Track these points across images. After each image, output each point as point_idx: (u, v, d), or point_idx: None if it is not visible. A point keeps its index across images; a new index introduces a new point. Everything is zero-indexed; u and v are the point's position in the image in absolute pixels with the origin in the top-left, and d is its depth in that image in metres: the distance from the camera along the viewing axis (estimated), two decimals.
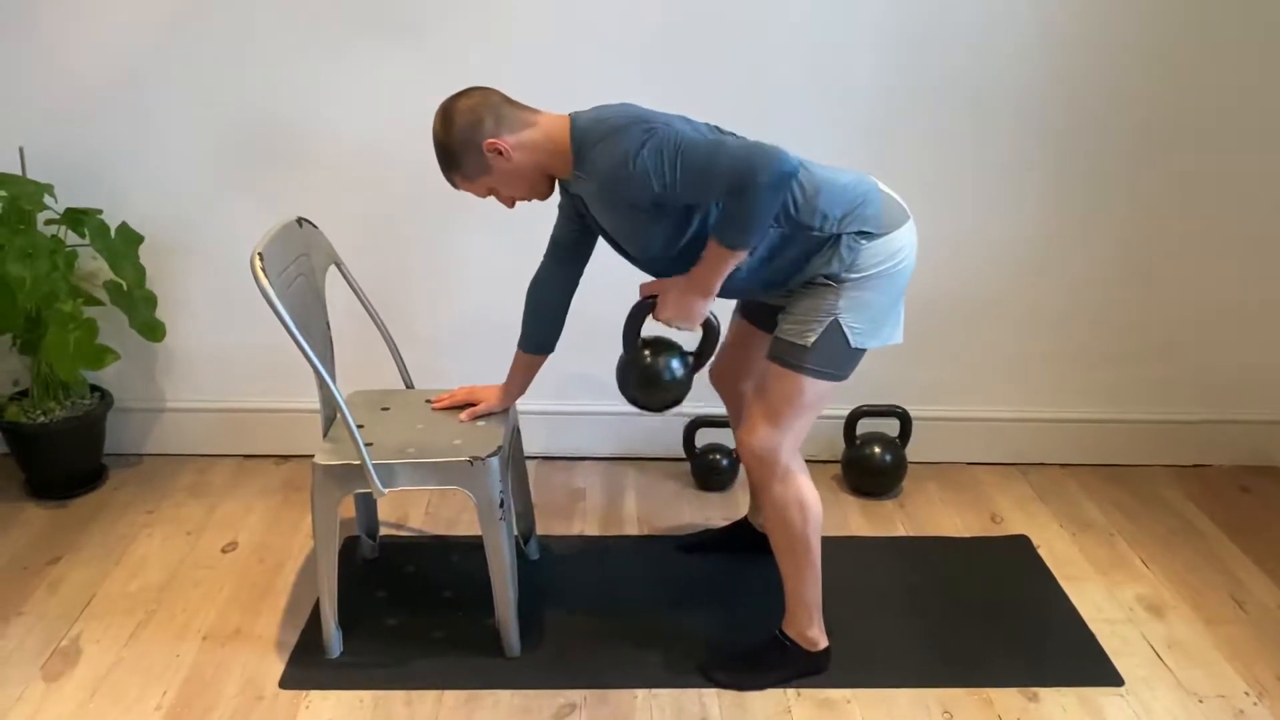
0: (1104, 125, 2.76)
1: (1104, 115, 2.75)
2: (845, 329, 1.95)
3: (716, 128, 1.97)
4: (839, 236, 1.93)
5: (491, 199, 2.03)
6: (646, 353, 2.09)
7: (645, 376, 2.09)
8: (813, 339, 1.95)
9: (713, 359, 2.21)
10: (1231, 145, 2.79)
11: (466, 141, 1.90)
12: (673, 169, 1.80)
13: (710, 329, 2.08)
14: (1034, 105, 2.73)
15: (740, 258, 1.88)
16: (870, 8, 2.64)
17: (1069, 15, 2.66)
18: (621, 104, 1.97)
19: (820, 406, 2.02)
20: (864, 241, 1.94)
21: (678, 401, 2.12)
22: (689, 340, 2.13)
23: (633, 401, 2.14)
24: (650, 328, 2.09)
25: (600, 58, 2.66)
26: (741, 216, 1.81)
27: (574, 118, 1.93)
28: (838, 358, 1.97)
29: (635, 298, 2.06)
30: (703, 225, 1.92)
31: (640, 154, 1.81)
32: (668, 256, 1.97)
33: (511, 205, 2.03)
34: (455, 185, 1.99)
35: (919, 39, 2.67)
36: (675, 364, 2.08)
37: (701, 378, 2.40)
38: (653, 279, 2.06)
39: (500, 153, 1.91)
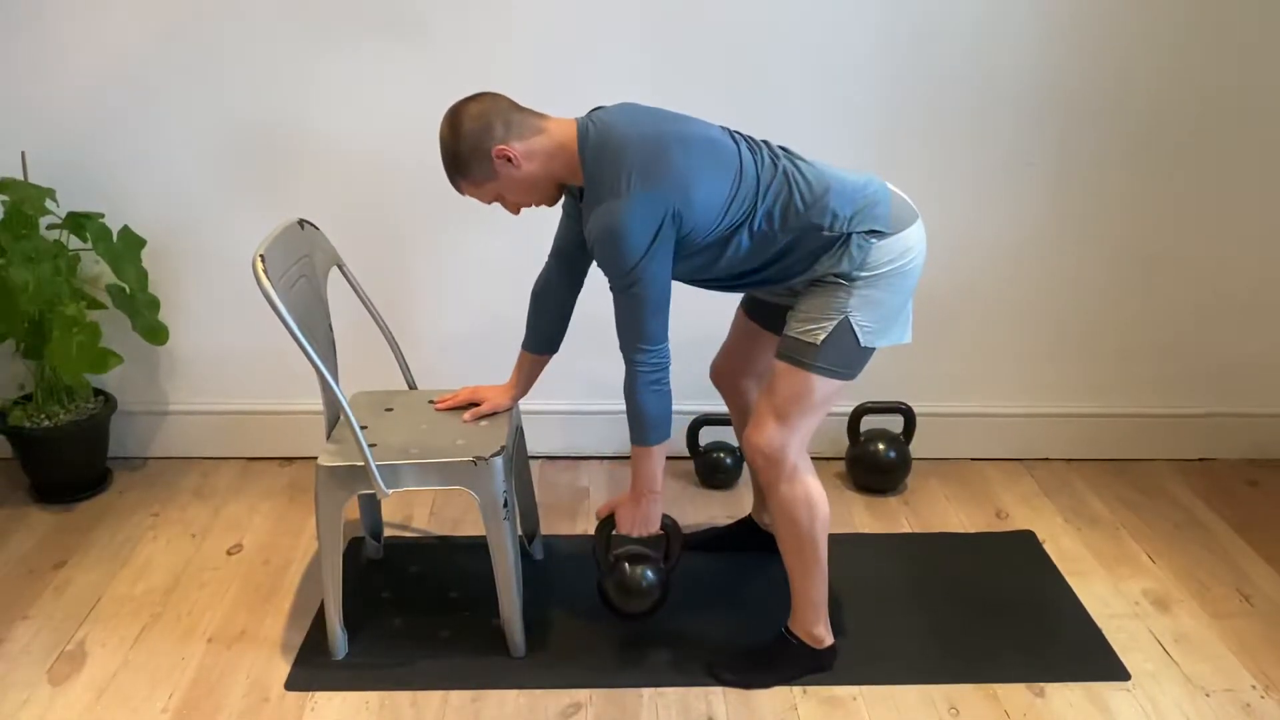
0: (1105, 121, 2.75)
1: (1104, 111, 2.74)
2: (855, 327, 1.95)
3: (736, 135, 1.98)
4: (849, 235, 1.93)
5: (496, 205, 2.02)
6: (624, 566, 2.20)
7: (622, 588, 2.21)
8: (822, 337, 1.94)
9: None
10: (1233, 138, 2.78)
11: (475, 148, 1.89)
12: (627, 288, 1.88)
13: (669, 530, 2.22)
14: (1034, 102, 2.73)
15: (662, 451, 2.03)
16: (871, 7, 2.64)
17: (1068, 12, 2.65)
18: (626, 105, 1.97)
19: (828, 406, 2.02)
20: (874, 240, 1.93)
21: (659, 606, 2.23)
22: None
23: (615, 612, 2.24)
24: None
25: (602, 57, 2.66)
26: (635, 414, 1.98)
27: (581, 126, 1.92)
28: (847, 356, 1.97)
29: None
30: (698, 254, 1.95)
31: (619, 256, 1.85)
32: None
33: (517, 212, 2.02)
34: (461, 191, 1.98)
35: (919, 38, 2.67)
36: (649, 573, 2.20)
37: (703, 375, 2.41)
38: (603, 503, 2.21)
39: (509, 160, 1.90)
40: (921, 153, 2.77)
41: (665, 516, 2.18)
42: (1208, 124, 2.77)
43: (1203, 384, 3.04)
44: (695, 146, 1.89)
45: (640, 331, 1.92)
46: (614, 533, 2.19)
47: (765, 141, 2.00)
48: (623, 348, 1.95)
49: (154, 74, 2.67)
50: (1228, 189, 2.84)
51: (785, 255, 1.95)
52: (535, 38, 2.65)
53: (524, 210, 2.05)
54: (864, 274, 1.94)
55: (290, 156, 2.75)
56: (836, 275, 1.94)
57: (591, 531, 2.69)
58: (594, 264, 2.20)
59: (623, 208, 1.82)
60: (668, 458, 2.46)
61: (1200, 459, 3.10)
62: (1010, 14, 2.65)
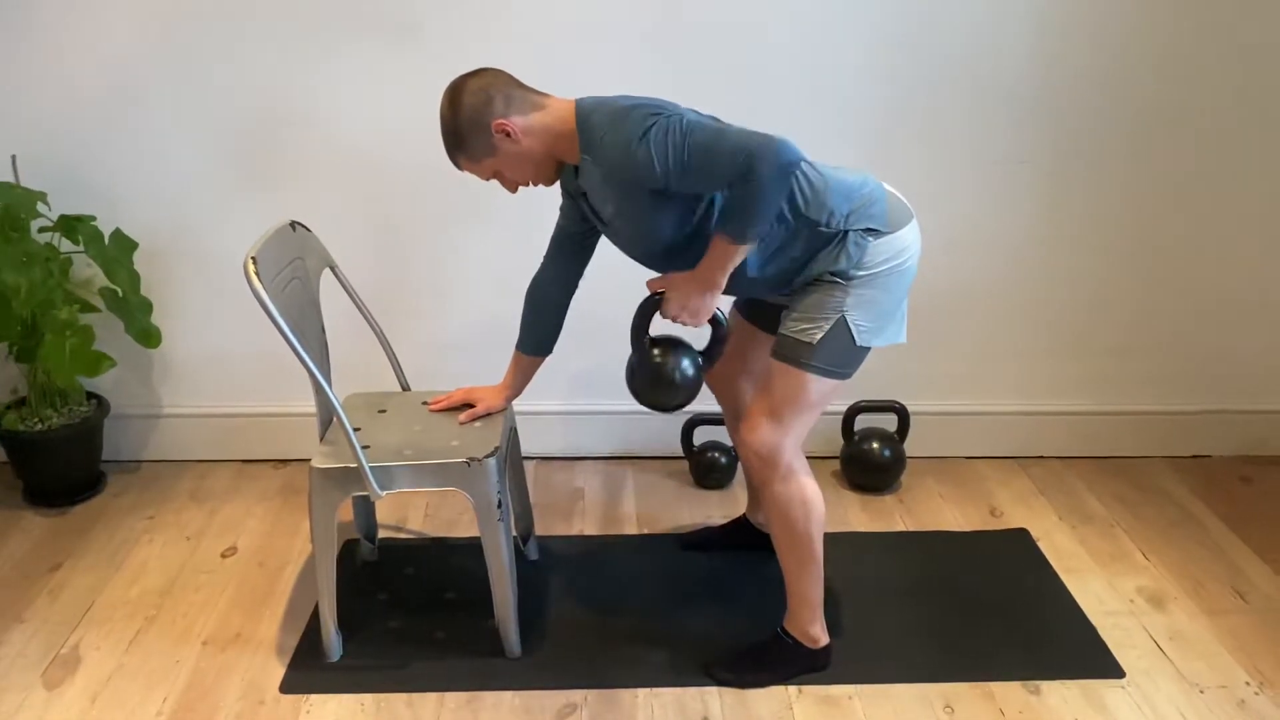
0: (1100, 118, 2.76)
1: (1100, 108, 2.75)
2: (851, 327, 1.94)
3: (718, 120, 1.96)
4: (846, 234, 1.92)
5: (484, 195, 2.01)
6: (655, 352, 2.03)
7: (655, 376, 2.04)
8: (818, 336, 1.94)
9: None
10: (1229, 136, 2.79)
11: (474, 121, 1.88)
12: (677, 153, 1.78)
13: (719, 326, 2.05)
14: (1030, 99, 2.73)
15: (746, 251, 1.87)
16: (867, 6, 2.64)
17: (1063, 10, 2.65)
18: (625, 95, 1.97)
19: (823, 405, 2.01)
20: (871, 239, 1.93)
21: (689, 401, 2.08)
22: (699, 337, 2.11)
23: (642, 401, 2.09)
24: (660, 325, 2.05)
25: (597, 57, 2.66)
26: (746, 207, 1.80)
27: (580, 102, 1.92)
28: (843, 356, 1.97)
29: (636, 298, 2.05)
30: (706, 216, 1.91)
31: (645, 137, 1.79)
32: (672, 250, 1.96)
33: (514, 190, 2.01)
34: (459, 166, 1.97)
35: (915, 37, 2.67)
36: (685, 363, 2.03)
37: None
38: (657, 275, 2.04)
39: (508, 134, 1.89)
40: (917, 151, 2.77)
41: (719, 311, 2.01)
42: (1202, 123, 2.77)
43: (1197, 382, 3.05)
44: (692, 115, 1.88)
45: (744, 155, 1.74)
46: (660, 312, 2.00)
47: None
48: (745, 177, 1.76)
49: (146, 76, 2.66)
50: (1223, 187, 2.84)
51: (782, 253, 1.95)
52: (530, 38, 2.64)
53: (516, 211, 2.05)
54: (860, 273, 1.93)
55: (282, 158, 2.74)
56: (833, 274, 1.94)
57: (588, 532, 2.70)
58: (589, 264, 2.21)
59: (616, 129, 1.81)
60: (662, 457, 2.46)
61: (1195, 456, 3.11)
62: (1006, 12, 2.65)
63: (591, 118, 1.87)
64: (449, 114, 1.90)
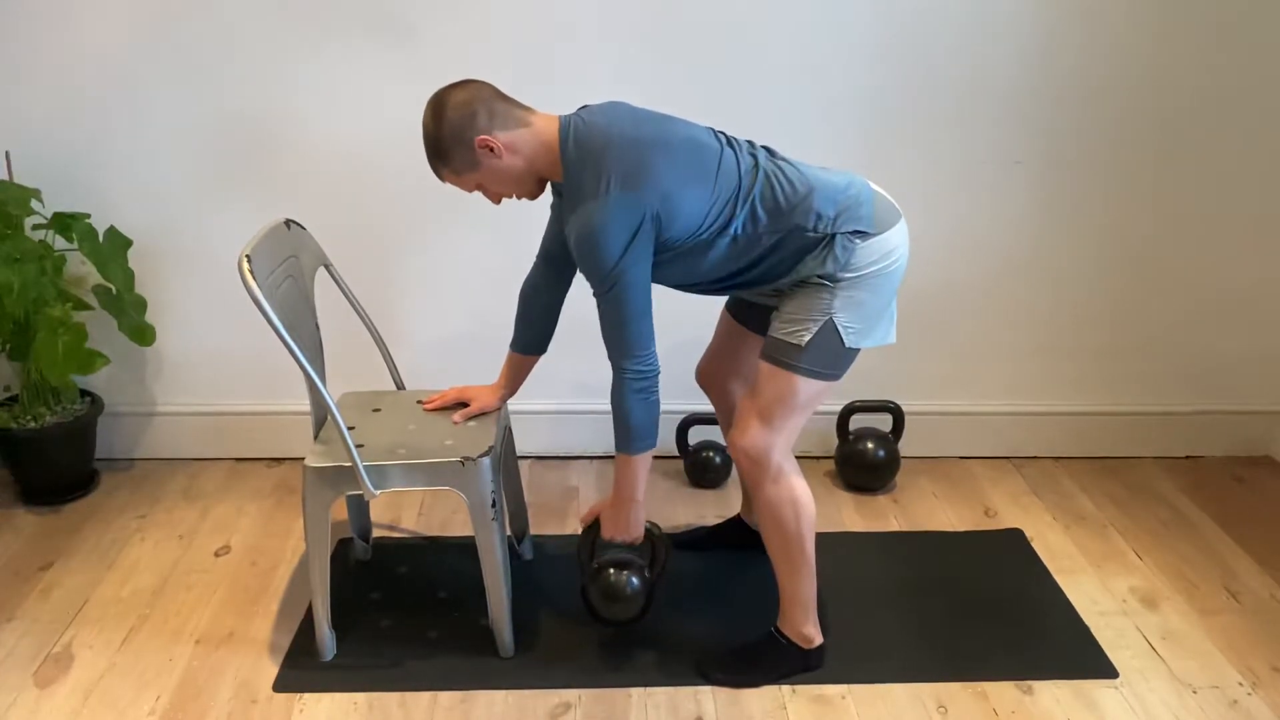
0: (1092, 119, 2.76)
1: (1091, 109, 2.75)
2: (840, 329, 1.94)
3: (723, 138, 1.98)
4: (833, 236, 1.92)
5: (478, 194, 2.01)
6: (607, 573, 2.19)
7: (606, 593, 2.19)
8: (807, 338, 1.94)
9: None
10: (1220, 136, 2.79)
11: (457, 136, 1.87)
12: (607, 292, 1.87)
13: (653, 538, 2.21)
14: (1021, 100, 2.73)
15: (646, 460, 2.02)
16: (857, 7, 2.64)
17: (1055, 10, 2.65)
18: (611, 105, 1.96)
19: (813, 407, 2.02)
20: (858, 241, 1.93)
21: (643, 613, 2.22)
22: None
23: (598, 618, 2.23)
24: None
25: (587, 58, 2.66)
26: (622, 422, 1.96)
27: (564, 124, 1.91)
28: (832, 357, 1.97)
29: None
30: (678, 256, 1.94)
31: (597, 260, 1.85)
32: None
33: (498, 202, 2.01)
34: (441, 178, 1.97)
35: (906, 37, 2.67)
36: (633, 578, 2.18)
37: (690, 375, 2.41)
38: (589, 509, 2.20)
39: (491, 150, 1.88)
40: (909, 152, 2.77)
41: (651, 525, 2.18)
42: (1194, 123, 2.78)
43: (1190, 382, 3.06)
44: (678, 149, 1.88)
45: (624, 337, 1.91)
46: (598, 538, 2.19)
47: (749, 142, 2.00)
48: (610, 355, 1.95)
49: (140, 74, 2.66)
50: (1215, 188, 2.85)
51: (769, 256, 1.95)
52: (522, 38, 2.64)
53: (510, 210, 2.05)
54: (848, 275, 1.93)
55: (277, 157, 2.74)
56: (820, 276, 1.94)
57: (581, 532, 2.70)
58: None
59: (601, 209, 1.82)
60: (657, 456, 2.45)
61: (1188, 456, 3.12)
62: (997, 12, 2.65)
63: (578, 155, 1.87)
64: (432, 127, 1.89)
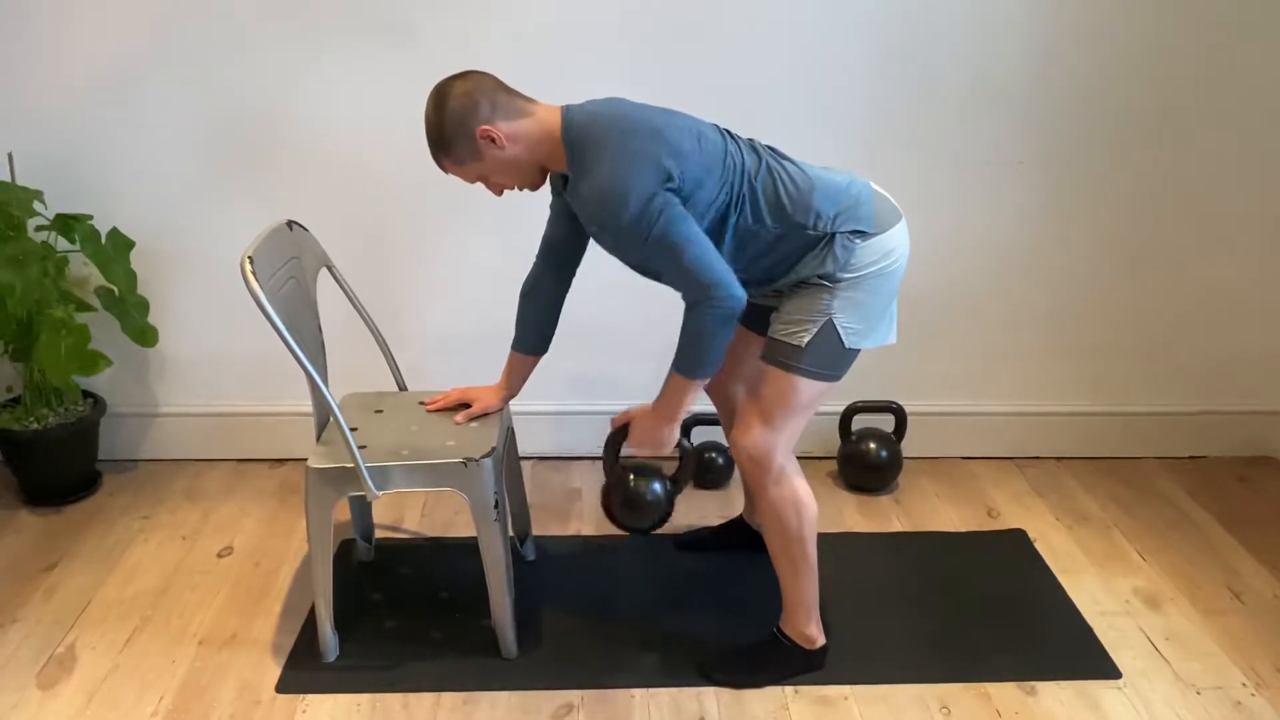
0: (1095, 118, 2.76)
1: (1094, 109, 2.75)
2: (839, 329, 1.94)
3: (720, 129, 1.97)
4: (833, 236, 1.92)
5: (479, 195, 2.01)
6: (630, 478, 2.17)
7: (627, 500, 2.17)
8: (807, 339, 1.94)
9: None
10: (1221, 136, 2.79)
11: (459, 126, 1.87)
12: (643, 240, 1.83)
13: (685, 452, 2.17)
14: (1023, 100, 2.73)
15: (701, 385, 1.96)
16: (859, 8, 2.64)
17: (1057, 10, 2.65)
18: (612, 100, 1.96)
19: (814, 407, 2.01)
20: (858, 241, 1.93)
21: (663, 522, 2.20)
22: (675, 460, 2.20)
23: (618, 524, 2.21)
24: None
25: (588, 57, 2.66)
26: (695, 346, 1.90)
27: (566, 113, 1.91)
28: (832, 358, 1.97)
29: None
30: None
31: (626, 202, 1.80)
32: (655, 271, 1.96)
33: (500, 194, 2.00)
34: (444, 169, 1.96)
35: (908, 37, 2.67)
36: (656, 487, 2.16)
37: None
38: (624, 405, 2.14)
39: (493, 140, 1.88)
40: (912, 152, 2.77)
41: (684, 438, 2.11)
42: (1196, 122, 2.78)
43: (1193, 382, 3.05)
44: (684, 130, 1.88)
45: (696, 273, 1.83)
46: (625, 445, 2.12)
47: (750, 140, 2.00)
48: (691, 299, 1.87)
49: (143, 75, 2.66)
50: (1218, 187, 2.84)
51: (769, 254, 1.95)
52: (522, 37, 2.64)
53: (511, 210, 2.05)
54: (847, 275, 1.93)
55: (279, 158, 2.74)
56: (820, 277, 1.94)
57: (584, 533, 2.70)
58: (582, 263, 2.21)
59: (612, 168, 1.81)
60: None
61: (1191, 456, 3.11)
62: (999, 12, 2.65)
63: (578, 135, 1.87)
64: (434, 118, 1.89)
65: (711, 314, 1.85)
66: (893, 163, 2.75)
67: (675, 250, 1.83)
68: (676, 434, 2.06)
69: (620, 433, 2.15)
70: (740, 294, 1.85)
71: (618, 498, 2.17)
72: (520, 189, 2.00)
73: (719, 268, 1.84)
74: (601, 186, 1.82)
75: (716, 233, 1.92)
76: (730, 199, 1.90)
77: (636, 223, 1.81)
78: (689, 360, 1.93)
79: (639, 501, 2.15)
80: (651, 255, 1.86)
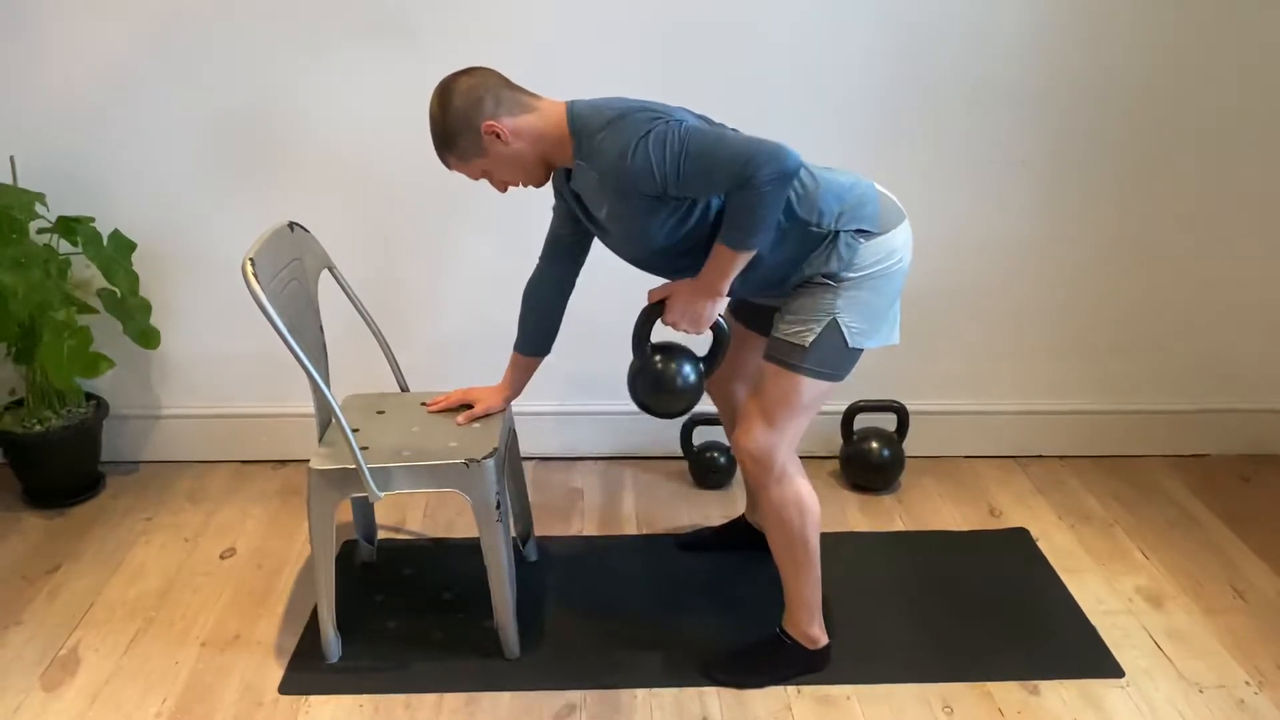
0: (1099, 118, 2.76)
1: (1099, 108, 2.74)
2: (843, 328, 1.94)
3: (715, 123, 1.96)
4: (837, 234, 1.92)
5: (481, 194, 2.00)
6: (657, 358, 2.05)
7: (656, 382, 2.05)
8: (811, 339, 1.94)
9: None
10: (1228, 136, 2.79)
11: (464, 122, 1.87)
12: (675, 161, 1.78)
13: (720, 333, 2.05)
14: (1029, 99, 2.73)
15: (747, 258, 1.87)
16: (862, 8, 2.63)
17: (1061, 9, 2.65)
18: (618, 97, 1.96)
19: (817, 407, 2.01)
20: (862, 240, 1.93)
21: (690, 407, 2.09)
22: (701, 344, 2.11)
23: (644, 408, 2.10)
24: (662, 332, 2.06)
25: (590, 57, 2.66)
26: (747, 214, 1.80)
27: (572, 104, 1.91)
28: (835, 358, 1.96)
29: (632, 299, 2.05)
30: (702, 219, 1.90)
31: (642, 143, 1.78)
32: (664, 252, 1.95)
33: (504, 190, 2.00)
34: (448, 166, 1.96)
35: (914, 37, 2.66)
36: (687, 369, 2.04)
37: None
38: (659, 283, 2.03)
39: (498, 136, 1.88)
40: (916, 152, 2.77)
41: (719, 319, 2.02)
42: (1200, 123, 2.77)
43: (1196, 380, 3.05)
44: (691, 117, 1.88)
45: (742, 161, 1.75)
46: (662, 319, 2.02)
47: None
48: (743, 183, 1.77)
49: (144, 78, 2.66)
50: (1222, 186, 2.84)
51: (773, 253, 1.94)
52: (527, 38, 2.64)
53: (513, 211, 2.05)
54: (851, 274, 1.93)
55: (281, 159, 2.74)
56: (824, 276, 1.94)
57: (587, 533, 2.70)
58: (585, 264, 2.21)
59: (618, 136, 1.80)
60: (660, 457, 2.45)
61: (1194, 455, 3.11)
62: (1003, 11, 2.65)
63: (586, 121, 1.87)
64: (438, 114, 1.89)
65: (764, 179, 1.75)
66: (896, 162, 2.74)
67: (708, 156, 1.77)
68: (718, 311, 1.97)
69: (654, 309, 2.03)
70: (791, 149, 1.76)
71: (646, 380, 2.05)
72: (524, 185, 2.00)
73: (754, 140, 1.77)
74: (613, 152, 1.81)
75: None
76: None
77: (659, 162, 1.78)
78: (741, 230, 1.83)
79: (669, 384, 2.03)
80: (692, 180, 1.80)
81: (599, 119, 1.85)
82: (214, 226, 2.79)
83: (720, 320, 2.02)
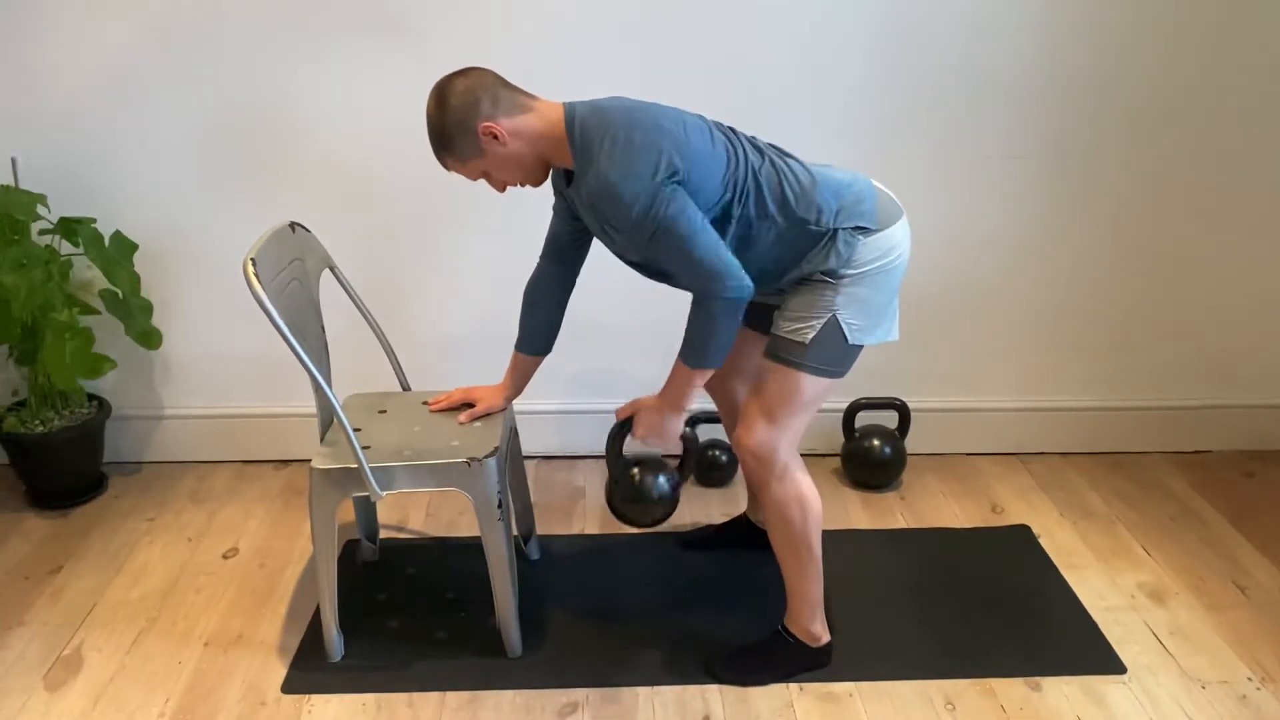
0: (1100, 113, 2.75)
1: (1099, 103, 2.74)
2: (843, 325, 1.94)
3: (725, 127, 1.96)
4: (835, 232, 1.92)
5: (482, 194, 2.01)
6: (632, 472, 2.16)
7: (632, 495, 2.17)
8: (810, 336, 1.94)
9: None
10: (1229, 131, 2.78)
11: (461, 123, 1.87)
12: (650, 229, 1.82)
13: (690, 444, 2.16)
14: (1029, 95, 2.73)
15: (706, 376, 1.96)
16: (862, 4, 2.63)
17: (1062, 4, 2.65)
18: (615, 97, 1.96)
19: (817, 404, 2.01)
20: (860, 237, 1.93)
21: (668, 515, 2.20)
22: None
23: (623, 518, 2.21)
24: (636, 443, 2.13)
25: (591, 55, 2.66)
26: (700, 335, 1.90)
27: (569, 109, 1.91)
28: (835, 355, 1.97)
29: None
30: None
31: (628, 192, 1.80)
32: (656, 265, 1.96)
33: (503, 190, 2.00)
34: (446, 167, 1.96)
35: (912, 31, 2.66)
36: (661, 480, 2.16)
37: None
38: (627, 401, 2.11)
39: (495, 136, 1.88)
40: (916, 147, 2.77)
41: (686, 429, 2.10)
42: (1202, 116, 2.77)
43: (1198, 376, 3.04)
44: (690, 123, 1.88)
45: (703, 266, 1.83)
46: (630, 437, 2.11)
47: (753, 137, 2.00)
48: (699, 292, 1.87)
49: (146, 79, 2.66)
50: (1223, 181, 2.84)
51: (772, 251, 1.95)
52: (525, 37, 2.64)
53: (513, 210, 2.05)
54: (850, 271, 1.93)
55: (282, 159, 2.74)
56: (823, 273, 1.94)
57: (588, 531, 2.70)
58: (585, 262, 2.21)
59: (615, 159, 1.81)
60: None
61: (1196, 451, 3.10)
62: (1004, 7, 2.65)
63: (585, 132, 1.86)
64: (436, 115, 1.89)
65: (719, 304, 1.86)
66: (897, 159, 2.74)
67: (681, 242, 1.83)
68: (682, 425, 2.05)
69: (624, 425, 2.15)
70: (748, 283, 1.86)
71: (622, 492, 2.17)
72: (522, 185, 2.00)
73: (726, 257, 1.84)
74: (606, 181, 1.81)
75: (720, 229, 1.92)
76: (735, 195, 1.90)
77: (642, 216, 1.81)
78: (696, 351, 1.93)
79: (644, 496, 2.15)
80: (657, 248, 1.85)
81: (596, 131, 1.85)
82: (216, 227, 2.79)
83: (687, 430, 2.11)
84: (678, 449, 2.11)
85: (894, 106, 2.73)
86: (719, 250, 1.84)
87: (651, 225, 1.82)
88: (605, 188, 1.81)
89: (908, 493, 2.89)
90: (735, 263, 1.85)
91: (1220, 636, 2.28)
